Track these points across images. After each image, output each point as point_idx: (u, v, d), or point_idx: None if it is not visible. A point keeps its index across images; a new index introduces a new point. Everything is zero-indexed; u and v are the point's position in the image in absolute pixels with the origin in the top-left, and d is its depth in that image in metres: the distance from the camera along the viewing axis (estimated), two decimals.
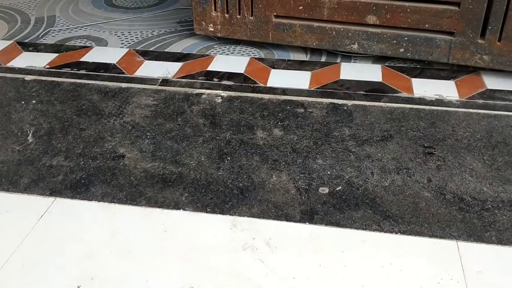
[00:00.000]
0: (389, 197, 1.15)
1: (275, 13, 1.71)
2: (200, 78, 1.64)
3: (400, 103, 1.48)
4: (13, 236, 1.07)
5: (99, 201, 1.16)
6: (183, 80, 1.63)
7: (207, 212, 1.12)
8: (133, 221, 1.10)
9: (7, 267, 1.00)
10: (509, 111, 1.43)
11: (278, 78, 1.63)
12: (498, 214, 1.10)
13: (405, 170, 1.23)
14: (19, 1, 2.29)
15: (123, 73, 1.67)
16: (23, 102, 1.52)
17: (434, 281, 0.96)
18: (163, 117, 1.44)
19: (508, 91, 1.52)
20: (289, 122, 1.41)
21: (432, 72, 1.64)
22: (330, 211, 1.12)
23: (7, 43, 1.88)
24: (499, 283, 0.95)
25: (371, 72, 1.65)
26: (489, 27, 1.51)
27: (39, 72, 1.67)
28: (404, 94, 1.52)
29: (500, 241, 1.04)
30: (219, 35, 1.83)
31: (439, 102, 1.48)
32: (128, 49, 1.83)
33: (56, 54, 1.79)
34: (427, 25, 1.57)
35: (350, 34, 1.66)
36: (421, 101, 1.49)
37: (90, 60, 1.75)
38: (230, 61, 1.74)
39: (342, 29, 1.66)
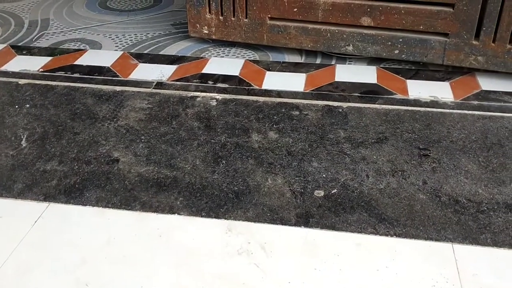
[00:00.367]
0: (384, 200, 1.15)
1: (269, 15, 1.71)
2: (195, 81, 1.63)
3: (395, 105, 1.48)
4: (7, 242, 1.06)
5: (93, 206, 1.15)
6: (178, 83, 1.62)
7: (202, 216, 1.12)
8: (128, 226, 1.10)
9: (1, 274, 0.99)
10: (504, 112, 1.43)
11: (273, 81, 1.62)
12: (493, 216, 1.10)
13: (400, 173, 1.23)
14: (13, 4, 2.28)
15: (117, 76, 1.66)
16: (16, 106, 1.51)
17: (430, 284, 0.95)
18: (158, 120, 1.44)
19: (502, 92, 1.52)
20: (284, 125, 1.41)
21: (427, 74, 1.64)
22: (326, 214, 1.12)
23: (1, 46, 1.87)
24: (494, 285, 0.95)
25: (366, 74, 1.64)
26: (484, 29, 1.51)
27: (33, 76, 1.67)
28: (399, 96, 1.52)
29: (496, 243, 1.04)
30: (213, 37, 1.82)
31: (434, 103, 1.48)
32: (122, 52, 1.82)
33: (50, 58, 1.78)
34: (421, 27, 1.57)
35: (344, 35, 1.66)
36: (416, 102, 1.49)
37: (84, 64, 1.74)
38: (225, 64, 1.73)
39: (336, 31, 1.66)
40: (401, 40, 1.61)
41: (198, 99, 1.54)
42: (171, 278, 0.98)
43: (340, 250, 1.03)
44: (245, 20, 1.74)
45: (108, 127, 1.41)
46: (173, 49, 1.84)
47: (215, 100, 1.53)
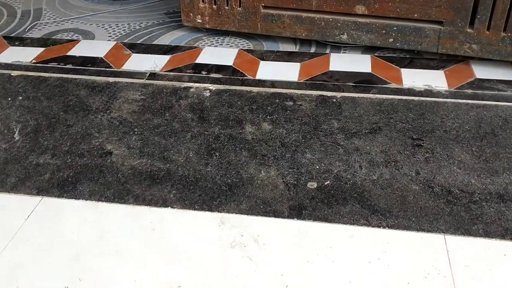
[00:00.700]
0: (377, 191, 1.15)
1: (263, 4, 1.69)
2: (188, 71, 1.62)
3: (389, 94, 1.48)
4: (0, 238, 1.06)
5: (86, 199, 1.15)
6: (171, 73, 1.61)
7: (195, 209, 1.12)
8: (121, 220, 1.10)
9: None
10: (497, 101, 1.43)
11: (267, 70, 1.62)
12: (485, 207, 1.10)
13: (393, 163, 1.23)
14: None
15: (110, 67, 1.65)
16: (9, 99, 1.51)
17: (421, 276, 0.96)
18: (151, 112, 1.43)
19: (497, 80, 1.52)
20: (278, 116, 1.40)
21: (421, 62, 1.63)
22: (319, 206, 1.12)
23: None
24: (486, 276, 0.96)
25: (361, 63, 1.64)
26: (478, 16, 1.50)
27: (26, 68, 1.66)
28: (393, 85, 1.52)
29: (488, 234, 1.04)
30: (207, 26, 1.81)
31: (428, 92, 1.48)
32: (115, 42, 1.81)
33: (43, 49, 1.77)
34: (416, 15, 1.56)
35: (339, 24, 1.65)
36: (410, 92, 1.48)
37: (77, 54, 1.73)
38: (219, 53, 1.72)
39: (331, 20, 1.65)
40: (395, 28, 1.60)
41: (192, 90, 1.53)
42: (164, 272, 0.98)
43: (333, 242, 1.03)
44: (238, 9, 1.73)
45: (101, 119, 1.41)
46: (166, 39, 1.82)
47: (208, 91, 1.52)
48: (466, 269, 0.97)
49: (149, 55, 1.72)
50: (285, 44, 1.77)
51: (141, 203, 1.14)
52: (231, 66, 1.65)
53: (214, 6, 1.75)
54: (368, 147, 1.28)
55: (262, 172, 1.22)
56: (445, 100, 1.44)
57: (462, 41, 1.55)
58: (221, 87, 1.54)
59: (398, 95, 1.47)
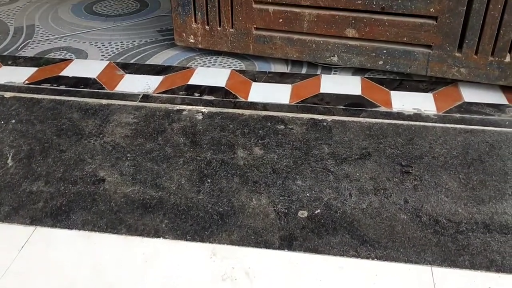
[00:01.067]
0: (366, 220, 1.17)
1: (255, 26, 1.71)
2: (181, 93, 1.64)
3: (379, 118, 1.50)
4: None
5: (79, 229, 1.17)
6: (164, 95, 1.63)
7: (187, 240, 1.14)
8: (114, 251, 1.11)
9: None
10: (485, 126, 1.45)
11: (259, 92, 1.63)
12: (471, 237, 1.12)
13: (382, 191, 1.25)
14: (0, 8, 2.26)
15: (103, 88, 1.66)
16: (2, 122, 1.52)
17: None
18: (144, 136, 1.45)
19: (484, 103, 1.55)
20: (269, 140, 1.42)
21: (411, 84, 1.66)
22: (309, 236, 1.14)
23: None
24: None
25: (351, 85, 1.66)
26: (466, 41, 1.53)
27: (19, 89, 1.67)
28: (382, 109, 1.54)
29: (473, 266, 1.06)
30: (200, 46, 1.82)
31: (417, 116, 1.50)
32: (108, 61, 1.82)
33: (36, 68, 1.78)
34: (405, 38, 1.58)
35: (329, 46, 1.67)
36: (400, 115, 1.51)
37: (70, 75, 1.74)
38: (212, 74, 1.74)
39: (321, 42, 1.67)
40: (385, 51, 1.62)
41: (184, 112, 1.55)
42: None
43: (323, 274, 1.05)
44: (231, 30, 1.75)
45: (94, 144, 1.42)
46: (159, 58, 1.84)
47: (201, 114, 1.54)
48: None
49: (142, 75, 1.74)
50: (277, 64, 1.79)
51: (133, 233, 1.15)
52: (223, 87, 1.66)
53: (206, 27, 1.77)
54: (357, 174, 1.30)
55: (253, 200, 1.24)
56: (433, 124, 1.47)
57: (450, 64, 1.58)
58: (214, 109, 1.56)
59: (387, 119, 1.50)
